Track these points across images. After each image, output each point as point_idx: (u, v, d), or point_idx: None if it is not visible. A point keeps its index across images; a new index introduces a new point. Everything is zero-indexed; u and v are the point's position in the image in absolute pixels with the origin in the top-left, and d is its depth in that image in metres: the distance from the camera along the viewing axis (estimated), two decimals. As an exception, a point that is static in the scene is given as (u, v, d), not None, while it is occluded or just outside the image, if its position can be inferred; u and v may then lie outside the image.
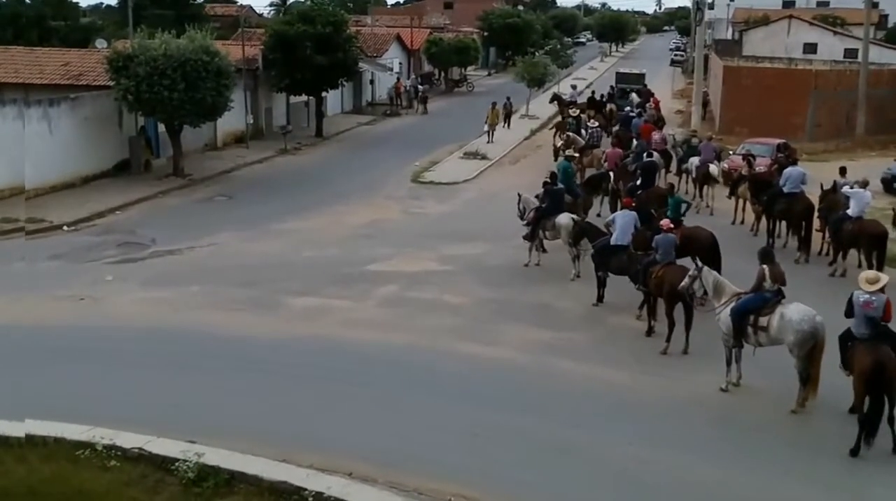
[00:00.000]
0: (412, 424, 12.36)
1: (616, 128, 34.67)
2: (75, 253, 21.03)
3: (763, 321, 12.59)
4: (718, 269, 16.93)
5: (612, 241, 16.80)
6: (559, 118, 42.47)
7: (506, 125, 42.10)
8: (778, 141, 31.25)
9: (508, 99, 43.85)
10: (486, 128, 38.60)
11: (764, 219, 22.48)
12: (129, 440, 10.76)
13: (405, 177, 31.08)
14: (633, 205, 17.60)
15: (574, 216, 19.25)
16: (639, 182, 23.40)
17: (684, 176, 28.34)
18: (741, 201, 24.22)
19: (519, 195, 20.53)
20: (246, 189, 29.08)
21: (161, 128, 30.72)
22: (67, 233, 23.16)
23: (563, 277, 19.01)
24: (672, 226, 15.78)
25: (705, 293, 13.71)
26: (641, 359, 14.63)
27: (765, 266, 12.79)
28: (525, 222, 19.91)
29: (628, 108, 38.85)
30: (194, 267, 20.03)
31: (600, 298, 17.26)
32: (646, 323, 15.87)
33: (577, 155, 24.37)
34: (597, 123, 33.94)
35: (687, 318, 14.58)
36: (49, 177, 26.79)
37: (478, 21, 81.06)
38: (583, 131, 32.32)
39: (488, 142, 37.41)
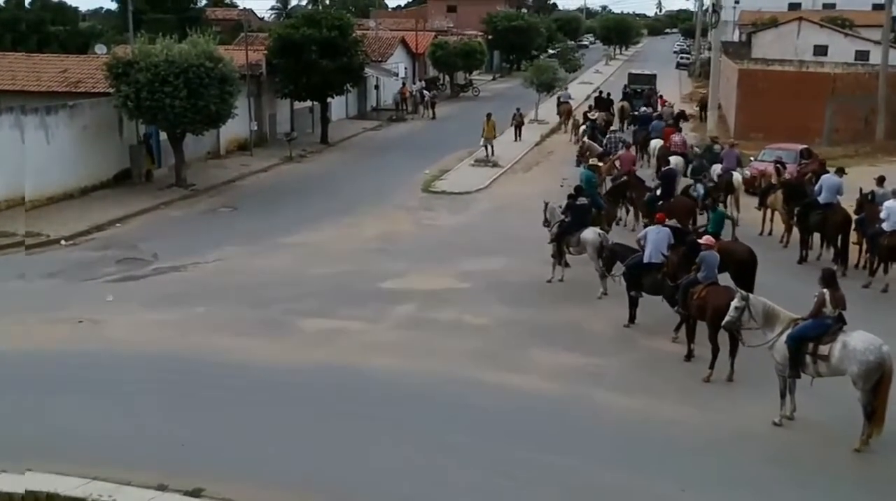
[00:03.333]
0: (439, 464, 11.34)
1: (634, 128, 34.17)
2: (73, 270, 19.98)
3: (823, 350, 11.54)
4: (752, 286, 16.02)
5: (645, 259, 15.75)
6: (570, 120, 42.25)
7: (517, 138, 39.58)
8: (800, 146, 30.31)
9: (518, 110, 40.70)
10: (482, 142, 34.90)
11: (796, 231, 21.50)
12: (130, 496, 9.66)
13: (415, 186, 30.05)
14: (666, 219, 16.50)
15: (600, 231, 18.22)
16: (658, 192, 22.53)
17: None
18: (769, 211, 23.21)
19: (546, 203, 19.50)
20: (251, 199, 28.04)
21: (163, 136, 29.69)
22: (65, 247, 22.12)
23: (589, 294, 17.99)
24: (712, 240, 14.69)
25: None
26: (683, 388, 13.59)
27: (825, 289, 11.74)
28: (550, 240, 18.86)
29: (644, 109, 38.02)
30: (199, 285, 18.99)
31: (632, 319, 16.22)
32: (682, 346, 14.87)
33: (600, 163, 23.34)
34: (615, 128, 33.38)
35: (732, 343, 13.53)
36: (46, 189, 25.75)
37: (482, 24, 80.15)
38: (599, 136, 31.61)
39: (488, 157, 34.45)
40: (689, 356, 14.55)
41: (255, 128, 36.42)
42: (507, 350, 15.21)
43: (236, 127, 33.28)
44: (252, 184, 30.69)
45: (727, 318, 12.37)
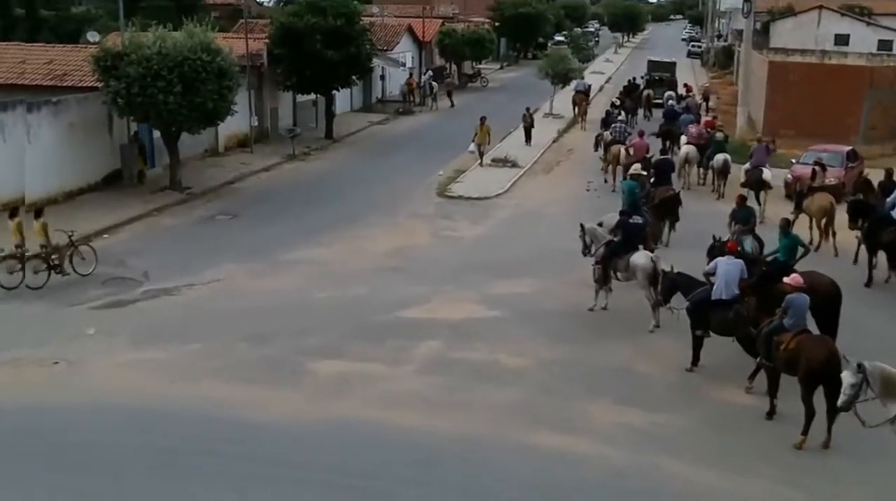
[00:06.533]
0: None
1: (661, 123, 33.01)
2: (53, 294, 17.62)
3: (967, 431, 9.34)
4: (835, 327, 13.86)
5: (714, 295, 13.49)
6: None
7: (527, 141, 35.62)
8: (846, 148, 28.12)
9: (528, 109, 36.94)
10: (472, 147, 31.42)
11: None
12: None
13: (430, 190, 27.72)
14: (739, 250, 14.22)
15: (653, 255, 15.95)
16: (652, 180, 21.57)
17: (705, 172, 27.48)
18: (810, 219, 21.35)
19: (582, 226, 17.21)
20: (251, 205, 25.65)
21: (156, 133, 27.34)
22: (46, 262, 19.80)
23: (638, 326, 15.78)
24: (800, 280, 12.37)
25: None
26: (771, 458, 11.37)
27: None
28: (594, 262, 16.60)
29: (672, 103, 36.24)
30: (194, 313, 16.70)
31: (695, 361, 14.01)
32: (760, 398, 12.70)
33: (644, 173, 21.19)
34: (622, 115, 32.30)
35: (830, 403, 11.30)
36: (28, 194, 23.43)
37: (488, 11, 77.61)
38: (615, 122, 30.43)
39: (479, 165, 31.19)
40: (772, 413, 12.36)
41: (256, 123, 34.07)
42: (551, 401, 12.99)
43: (236, 122, 30.82)
44: (252, 187, 28.33)
45: (843, 398, 10.06)
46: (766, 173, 24.17)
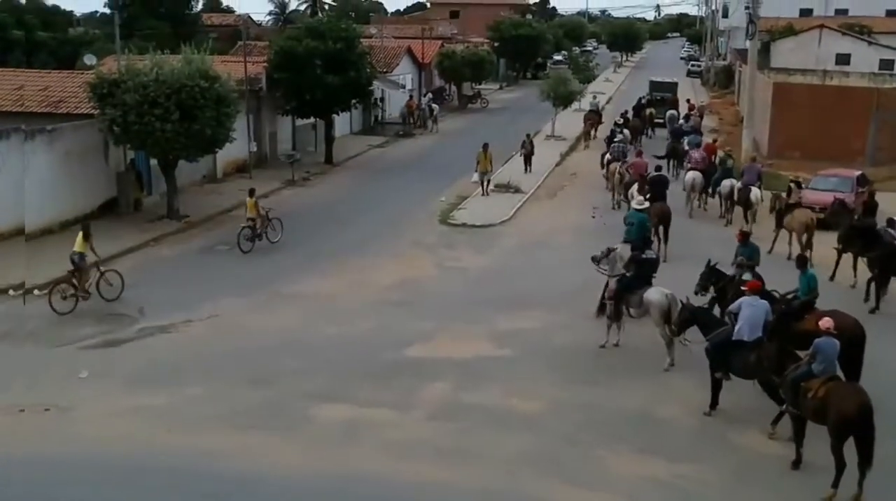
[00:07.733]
0: None
1: (668, 142, 33.96)
2: (45, 331, 17.03)
3: None
4: (859, 369, 13.32)
5: (735, 336, 12.92)
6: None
7: (527, 169, 33.93)
8: (857, 172, 27.72)
9: (528, 136, 35.47)
10: (476, 177, 30.25)
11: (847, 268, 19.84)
12: None
13: (432, 217, 27.15)
14: (762, 288, 13.69)
15: (667, 291, 15.37)
16: (647, 197, 21.67)
17: (711, 198, 27.46)
18: (790, 234, 21.84)
19: (607, 249, 16.55)
20: (250, 233, 25.06)
21: (154, 160, 26.79)
22: (39, 297, 19.17)
23: (652, 365, 15.24)
24: (830, 323, 11.77)
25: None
26: (801, 514, 10.80)
27: None
28: (607, 297, 16.04)
29: (681, 121, 36.41)
30: (192, 352, 16.05)
31: (714, 404, 13.44)
32: (784, 446, 12.14)
33: (648, 203, 20.75)
34: (621, 135, 32.66)
35: (863, 455, 10.73)
36: (22, 223, 22.89)
37: (486, 31, 77.41)
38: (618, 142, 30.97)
39: (482, 195, 29.96)
40: (798, 462, 11.77)
41: (255, 148, 33.53)
42: (569, 450, 12.39)
43: (234, 147, 30.08)
44: (251, 214, 27.72)
45: None
46: (755, 192, 24.48)
